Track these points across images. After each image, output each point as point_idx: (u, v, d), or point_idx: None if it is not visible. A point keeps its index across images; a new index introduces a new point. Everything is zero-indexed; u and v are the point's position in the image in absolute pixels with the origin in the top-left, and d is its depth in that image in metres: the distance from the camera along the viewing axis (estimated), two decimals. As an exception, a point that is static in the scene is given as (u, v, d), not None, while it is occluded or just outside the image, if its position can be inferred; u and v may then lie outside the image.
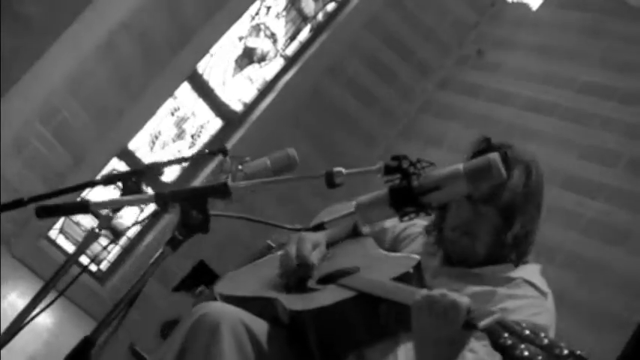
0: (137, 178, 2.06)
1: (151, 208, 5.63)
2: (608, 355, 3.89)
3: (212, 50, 5.68)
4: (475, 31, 6.52)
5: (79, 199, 5.30)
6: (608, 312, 4.57)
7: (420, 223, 2.40)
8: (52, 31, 4.41)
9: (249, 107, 6.00)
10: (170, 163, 2.36)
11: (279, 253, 2.42)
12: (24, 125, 4.65)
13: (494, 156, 1.71)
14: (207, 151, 2.23)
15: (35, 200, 1.91)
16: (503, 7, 6.27)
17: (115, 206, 1.66)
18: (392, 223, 2.51)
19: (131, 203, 1.84)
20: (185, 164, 5.66)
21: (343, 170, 1.69)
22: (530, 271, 2.17)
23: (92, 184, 2.16)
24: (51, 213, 1.56)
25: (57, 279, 2.20)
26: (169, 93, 5.56)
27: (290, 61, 6.13)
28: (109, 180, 2.08)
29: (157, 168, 2.18)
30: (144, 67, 5.16)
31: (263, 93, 6.04)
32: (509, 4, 5.10)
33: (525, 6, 4.88)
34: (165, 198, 1.52)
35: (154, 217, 5.66)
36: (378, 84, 6.31)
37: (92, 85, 4.90)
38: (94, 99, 4.96)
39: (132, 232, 5.75)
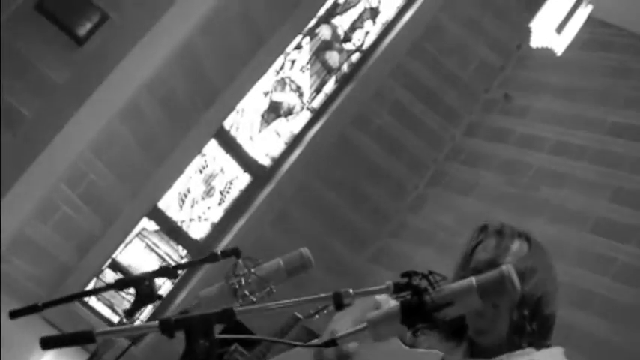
0: (150, 280, 2.05)
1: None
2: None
3: (238, 106, 5.71)
4: (501, 75, 6.51)
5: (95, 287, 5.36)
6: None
7: None
8: (78, 96, 4.46)
9: (277, 162, 6.03)
10: (182, 266, 2.35)
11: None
12: (52, 189, 4.68)
13: (508, 268, 1.68)
14: (219, 252, 2.21)
15: (50, 305, 1.93)
16: (529, 50, 6.24)
17: (120, 335, 1.64)
18: None
19: (136, 331, 1.83)
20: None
21: (351, 290, 1.67)
22: (552, 355, 2.09)
23: (107, 287, 2.15)
24: (56, 343, 1.57)
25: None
26: (197, 151, 5.60)
27: (317, 114, 6.15)
28: (123, 284, 2.07)
29: (171, 272, 2.16)
30: (169, 128, 5.21)
31: (291, 147, 6.07)
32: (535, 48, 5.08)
33: (550, 50, 4.86)
34: (170, 326, 1.51)
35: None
36: (405, 133, 6.31)
37: (118, 147, 4.95)
38: (121, 161, 5.01)
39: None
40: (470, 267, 2.11)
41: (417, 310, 1.61)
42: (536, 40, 4.84)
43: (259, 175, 5.97)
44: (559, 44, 4.80)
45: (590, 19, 5.16)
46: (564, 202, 5.38)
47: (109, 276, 5.53)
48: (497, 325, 2.05)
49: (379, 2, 6.36)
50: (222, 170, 5.87)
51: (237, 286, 1.96)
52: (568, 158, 5.62)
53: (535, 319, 2.07)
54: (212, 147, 5.76)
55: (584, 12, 4.75)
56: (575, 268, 5.05)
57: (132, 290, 2.03)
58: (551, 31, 4.67)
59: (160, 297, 2.11)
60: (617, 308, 4.72)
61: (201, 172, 5.79)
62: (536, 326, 2.07)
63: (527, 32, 5.10)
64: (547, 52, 5.65)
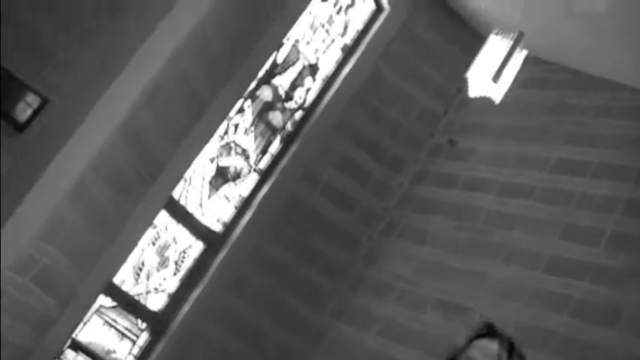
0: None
1: (143, 338, 5.62)
2: None
3: (186, 175, 5.71)
4: (444, 120, 6.58)
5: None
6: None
7: None
8: (23, 183, 4.43)
9: (229, 226, 6.02)
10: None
11: None
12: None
13: None
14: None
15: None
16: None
17: None
18: None
19: None
20: None
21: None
22: None
23: None
24: None
25: None
26: (148, 224, 5.56)
27: (264, 175, 6.17)
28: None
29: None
30: (118, 204, 5.17)
31: (241, 210, 6.07)
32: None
33: (488, 99, 4.95)
34: None
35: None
36: (353, 185, 6.35)
37: (68, 229, 4.90)
38: (72, 242, 4.95)
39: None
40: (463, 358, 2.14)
41: None
42: (474, 90, 4.91)
43: (212, 241, 5.95)
44: (496, 92, 4.89)
45: (525, 58, 5.26)
46: (517, 243, 5.44)
47: (70, 357, 5.47)
48: None
49: (317, 59, 6.41)
50: (174, 240, 5.85)
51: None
52: (516, 198, 5.69)
53: None
54: (163, 218, 5.73)
55: (518, 57, 4.85)
56: (531, 308, 5.09)
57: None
58: (488, 80, 4.75)
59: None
60: (576, 346, 4.76)
61: (154, 243, 5.76)
62: None
63: (466, 79, 5.19)
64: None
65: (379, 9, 6.68)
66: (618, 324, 4.65)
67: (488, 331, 2.20)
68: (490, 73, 4.74)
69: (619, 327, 4.64)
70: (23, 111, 4.49)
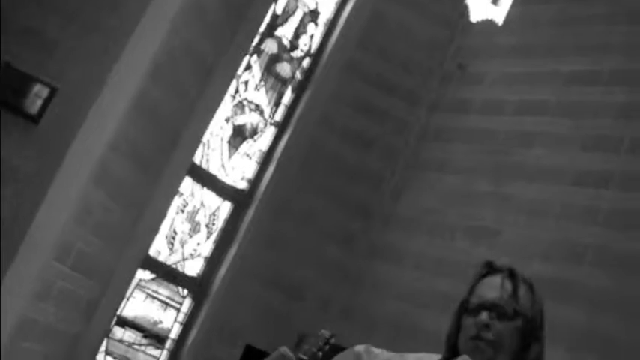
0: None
1: (187, 304, 5.73)
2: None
3: (204, 139, 5.76)
4: (451, 47, 6.56)
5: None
6: None
7: (426, 357, 2.41)
8: (48, 172, 4.50)
9: (254, 182, 6.08)
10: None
11: None
12: (44, 269, 4.72)
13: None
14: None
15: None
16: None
17: None
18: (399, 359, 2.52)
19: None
20: None
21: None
22: None
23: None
24: None
25: None
26: (174, 192, 5.64)
27: (281, 127, 6.20)
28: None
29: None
30: (142, 178, 5.23)
31: (263, 165, 6.12)
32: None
33: (492, 21, 4.93)
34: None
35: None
36: (370, 125, 6.38)
37: (98, 210, 4.97)
38: (104, 223, 5.03)
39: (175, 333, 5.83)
40: (472, 301, 2.19)
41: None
42: (475, 14, 4.90)
43: (239, 200, 6.03)
44: (498, 13, 4.87)
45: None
46: (538, 161, 5.46)
47: (119, 333, 5.60)
48: (496, 359, 2.14)
49: (316, 3, 6.40)
50: (202, 204, 5.92)
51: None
52: (532, 116, 5.69)
53: (541, 341, 2.16)
54: (187, 184, 5.81)
55: (515, -24, 4.82)
56: (561, 222, 5.14)
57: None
58: (488, 3, 4.74)
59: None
60: (610, 255, 4.81)
61: (182, 211, 5.84)
62: (540, 347, 2.16)
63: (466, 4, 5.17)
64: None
65: (372, -56, 6.64)
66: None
67: (489, 269, 2.26)
68: (489, -3, 4.73)
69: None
70: (34, 103, 4.54)
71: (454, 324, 2.24)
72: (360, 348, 2.50)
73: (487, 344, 2.14)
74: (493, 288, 2.19)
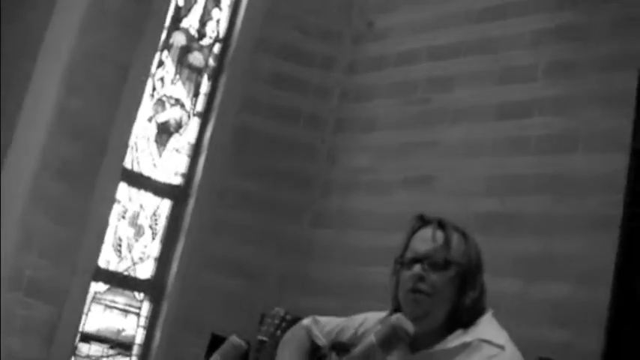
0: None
1: (146, 308, 5.73)
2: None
3: (130, 142, 5.73)
4: (355, 7, 6.60)
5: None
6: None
7: (372, 316, 2.47)
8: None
9: (188, 176, 6.08)
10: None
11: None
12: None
13: (396, 318, 2.04)
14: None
15: None
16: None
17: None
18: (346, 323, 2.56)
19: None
20: None
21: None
22: (483, 326, 2.23)
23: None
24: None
25: None
26: (111, 200, 5.61)
27: (204, 116, 6.20)
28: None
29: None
30: (77, 192, 5.21)
31: (194, 157, 6.12)
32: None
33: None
34: None
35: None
36: (292, 97, 6.39)
37: (39, 233, 4.95)
38: (48, 244, 5.01)
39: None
40: (407, 256, 2.24)
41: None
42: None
43: (177, 195, 6.03)
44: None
45: None
46: (461, 102, 5.54)
47: (84, 349, 5.58)
48: (434, 312, 2.19)
49: (217, -13, 6.40)
50: (141, 207, 5.91)
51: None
52: (447, 59, 5.75)
53: (476, 287, 2.22)
54: (124, 190, 5.79)
55: None
56: (497, 157, 5.23)
57: None
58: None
59: None
60: (547, 179, 4.92)
61: (124, 217, 5.83)
62: (478, 293, 2.21)
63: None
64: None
65: None
66: (579, 146, 4.81)
67: (421, 223, 2.31)
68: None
69: (581, 149, 4.80)
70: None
71: (393, 281, 2.28)
72: (307, 321, 2.57)
73: (423, 296, 2.19)
74: (425, 240, 2.24)
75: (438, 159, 5.53)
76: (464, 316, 2.18)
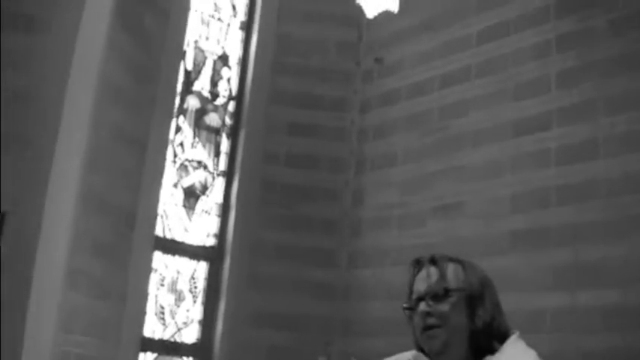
0: None
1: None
2: None
3: (159, 211, 5.80)
4: (362, 45, 6.66)
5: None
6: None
7: (401, 357, 2.49)
8: (24, 291, 4.52)
9: (221, 235, 6.14)
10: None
11: None
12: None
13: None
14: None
15: None
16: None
17: None
18: None
19: None
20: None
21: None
22: (509, 350, 2.24)
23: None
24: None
25: None
26: (148, 270, 5.67)
27: (228, 174, 6.27)
28: None
29: None
30: (113, 267, 5.27)
31: (224, 216, 6.18)
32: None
33: (388, 12, 5.03)
34: None
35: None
36: (310, 143, 6.44)
37: (81, 311, 5.00)
38: (91, 321, 5.05)
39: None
40: (413, 298, 2.29)
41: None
42: (369, 11, 4.99)
43: (212, 256, 6.09)
44: (391, 2, 4.96)
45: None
46: (478, 125, 5.57)
47: (139, 423, 5.62)
48: (452, 342, 2.22)
49: (222, 48, 6.49)
50: (178, 272, 5.96)
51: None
52: (458, 84, 5.80)
53: (485, 308, 2.24)
54: (158, 258, 5.84)
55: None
56: (520, 173, 5.24)
57: None
58: (377, -5, 4.84)
59: None
60: (570, 191, 4.92)
61: (162, 284, 5.88)
62: (489, 315, 2.23)
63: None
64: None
65: (255, -25, 6.76)
66: (599, 152, 4.81)
67: (417, 266, 2.35)
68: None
69: (602, 154, 4.80)
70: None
71: (411, 327, 2.32)
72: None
73: (435, 329, 2.22)
74: (423, 280, 2.28)
75: (462, 184, 5.55)
76: (482, 340, 2.20)
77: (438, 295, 2.23)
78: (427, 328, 2.23)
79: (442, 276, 2.25)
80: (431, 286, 2.25)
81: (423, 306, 2.25)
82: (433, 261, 2.30)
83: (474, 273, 2.30)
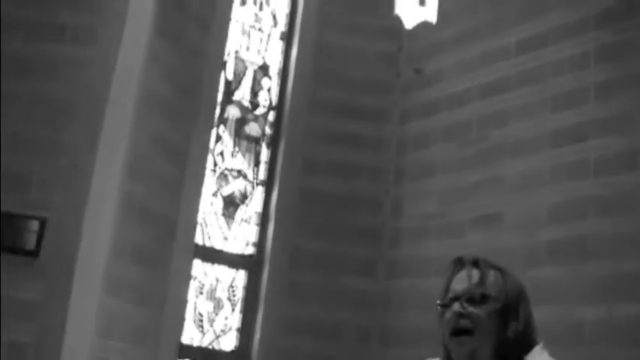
0: None
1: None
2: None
3: (199, 219, 5.86)
4: (401, 55, 6.68)
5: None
6: None
7: None
8: (62, 300, 4.60)
9: (260, 244, 6.19)
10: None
11: None
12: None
13: None
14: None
15: None
16: (411, 21, 6.44)
17: None
18: None
19: None
20: None
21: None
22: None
23: None
24: None
25: None
26: (187, 278, 5.73)
27: (268, 184, 6.32)
28: None
29: None
30: (152, 274, 5.33)
31: (263, 224, 6.22)
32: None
33: (427, 23, 5.04)
34: None
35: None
36: (350, 153, 6.47)
37: (119, 318, 5.06)
38: (129, 328, 5.12)
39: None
40: (448, 296, 2.27)
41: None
42: (408, 22, 5.01)
43: (251, 264, 6.13)
44: (429, 13, 4.97)
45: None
46: (517, 134, 5.56)
47: None
48: (480, 351, 2.21)
49: (263, 58, 6.55)
50: (218, 280, 6.02)
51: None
52: (497, 95, 5.80)
53: (519, 319, 2.23)
54: (198, 266, 5.90)
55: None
56: (558, 185, 5.22)
57: None
58: (416, 6, 4.85)
59: None
60: (607, 201, 4.90)
61: (201, 292, 5.93)
62: (522, 326, 2.23)
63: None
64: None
65: (297, -15, 6.83)
66: (637, 163, 4.79)
67: (458, 265, 2.34)
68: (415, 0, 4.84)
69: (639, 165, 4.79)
70: (29, 238, 4.66)
71: (440, 324, 2.31)
72: None
73: (466, 337, 2.21)
74: (462, 280, 2.26)
75: (501, 195, 5.54)
76: (510, 350, 2.19)
77: (475, 299, 2.22)
78: (457, 331, 2.21)
79: (482, 280, 2.23)
80: (469, 289, 2.23)
81: (457, 306, 2.23)
82: (476, 263, 2.28)
83: (513, 283, 2.28)
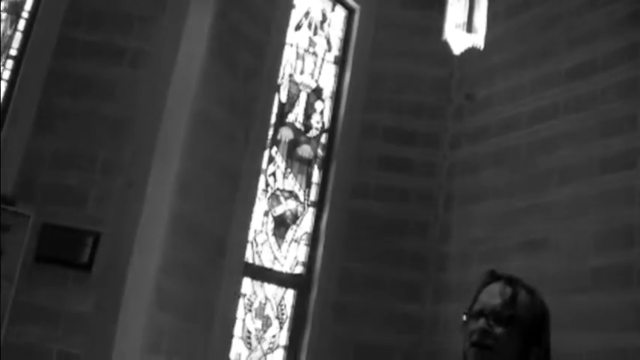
0: None
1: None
2: None
3: (250, 238, 5.98)
4: (453, 81, 6.75)
5: None
6: None
7: None
8: (111, 313, 4.74)
9: (309, 264, 6.28)
10: None
11: None
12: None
13: None
14: None
15: None
16: (464, 47, 6.51)
17: None
18: None
19: None
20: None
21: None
22: None
23: None
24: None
25: None
26: (237, 296, 5.84)
27: (319, 205, 6.42)
28: None
29: None
30: (202, 291, 5.45)
31: (313, 245, 6.32)
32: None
33: (475, 48, 5.11)
34: None
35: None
36: (400, 177, 6.54)
37: (168, 332, 5.18)
38: (177, 343, 5.23)
39: None
40: (476, 308, 2.28)
41: None
42: (456, 48, 5.08)
43: (300, 284, 6.23)
44: (477, 39, 5.04)
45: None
46: (565, 161, 5.58)
47: None
48: None
49: (316, 81, 6.67)
50: (267, 298, 6.12)
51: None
52: (546, 121, 5.83)
53: (542, 344, 2.25)
54: (247, 284, 6.01)
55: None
56: (604, 213, 5.23)
57: None
58: (462, 32, 4.92)
59: None
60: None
61: (250, 310, 6.04)
62: (543, 352, 2.25)
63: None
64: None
65: (350, 11, 6.94)
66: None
67: (491, 278, 2.34)
68: (461, 26, 4.91)
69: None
70: (84, 252, 4.82)
71: (463, 333, 2.32)
72: None
73: (487, 352, 2.20)
74: (493, 295, 2.25)
75: (548, 221, 5.56)
76: None
77: (502, 318, 2.20)
78: (479, 345, 2.19)
79: (512, 300, 2.21)
80: (500, 306, 2.21)
81: (482, 322, 2.20)
82: (510, 281, 2.28)
83: (540, 306, 2.25)
